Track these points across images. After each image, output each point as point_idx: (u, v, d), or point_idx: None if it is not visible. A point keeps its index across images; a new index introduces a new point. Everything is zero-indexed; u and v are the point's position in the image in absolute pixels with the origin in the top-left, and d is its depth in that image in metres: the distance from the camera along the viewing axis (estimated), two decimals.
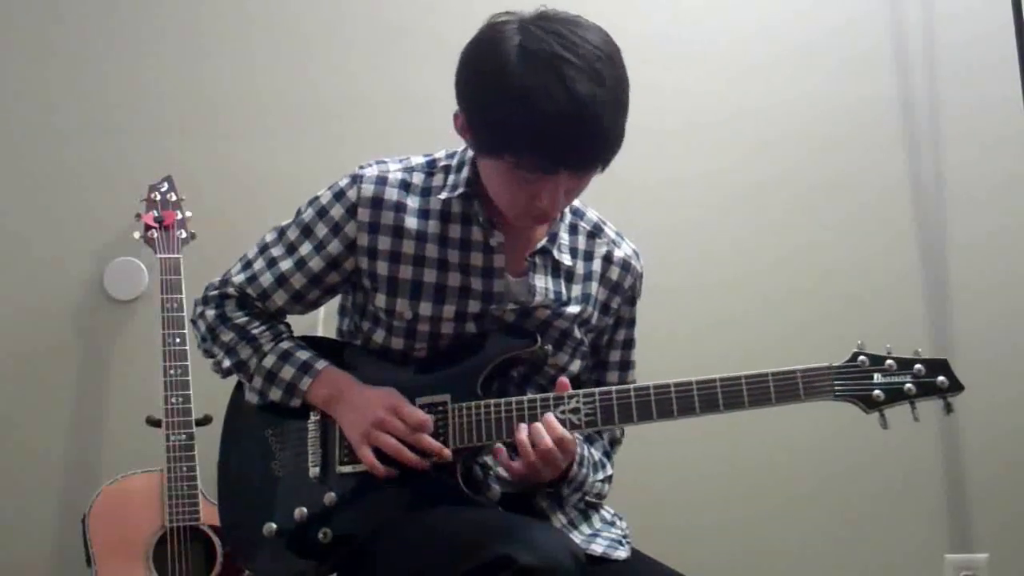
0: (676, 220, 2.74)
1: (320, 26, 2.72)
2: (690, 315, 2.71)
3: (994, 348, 2.73)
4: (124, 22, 2.66)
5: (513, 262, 1.68)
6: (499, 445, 1.57)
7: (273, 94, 2.68)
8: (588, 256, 1.74)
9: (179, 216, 2.48)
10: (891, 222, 2.79)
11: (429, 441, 1.57)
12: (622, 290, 1.77)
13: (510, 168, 1.51)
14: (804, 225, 2.78)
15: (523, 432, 1.54)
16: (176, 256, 2.42)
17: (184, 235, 2.47)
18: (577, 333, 1.71)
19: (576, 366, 1.72)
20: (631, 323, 1.81)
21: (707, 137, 2.78)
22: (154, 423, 2.33)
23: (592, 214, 1.79)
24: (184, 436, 2.27)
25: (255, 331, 1.69)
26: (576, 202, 1.76)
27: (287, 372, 1.65)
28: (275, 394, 1.66)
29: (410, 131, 2.63)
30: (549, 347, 1.67)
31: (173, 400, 2.29)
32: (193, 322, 1.78)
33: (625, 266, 1.77)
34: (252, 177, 2.64)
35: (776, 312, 2.73)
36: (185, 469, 2.26)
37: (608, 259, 1.76)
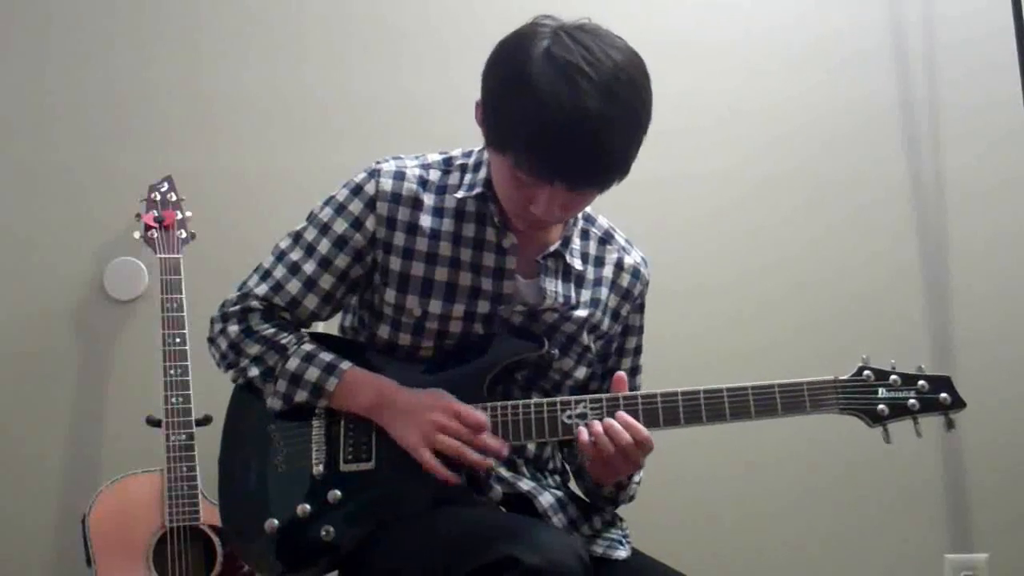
0: (675, 220, 2.74)
1: (320, 28, 2.72)
2: (690, 314, 2.71)
3: (994, 348, 2.73)
4: (124, 22, 2.67)
5: (524, 264, 1.68)
6: (583, 427, 1.55)
7: (273, 95, 2.68)
8: (599, 262, 1.75)
9: (179, 216, 2.48)
10: (891, 222, 2.79)
11: (490, 440, 1.56)
12: (632, 297, 1.77)
13: (510, 167, 1.52)
14: (804, 225, 2.78)
15: (598, 426, 1.54)
16: (176, 256, 2.42)
17: (184, 235, 2.47)
18: (585, 339, 1.71)
19: (582, 373, 1.73)
20: (640, 330, 1.82)
21: (706, 137, 2.78)
22: (154, 423, 2.33)
23: (603, 221, 1.80)
24: (184, 436, 2.27)
25: (283, 340, 1.66)
26: (587, 208, 1.76)
27: (312, 373, 1.63)
28: (300, 396, 1.64)
29: (410, 133, 2.64)
30: (556, 351, 1.68)
31: (173, 400, 2.29)
32: (212, 340, 1.72)
33: (635, 273, 1.78)
34: (252, 177, 2.64)
35: (776, 312, 2.73)
36: (185, 469, 2.26)
37: (619, 266, 1.76)
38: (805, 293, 2.75)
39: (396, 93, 2.70)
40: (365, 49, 2.72)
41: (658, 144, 2.67)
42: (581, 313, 1.70)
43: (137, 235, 2.46)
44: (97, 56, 2.65)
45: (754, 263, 2.75)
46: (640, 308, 1.80)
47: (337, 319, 1.82)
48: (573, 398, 1.59)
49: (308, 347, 1.66)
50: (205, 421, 2.29)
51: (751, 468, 2.70)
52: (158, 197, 2.49)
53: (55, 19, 2.65)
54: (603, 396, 1.59)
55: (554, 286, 1.69)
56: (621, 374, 1.60)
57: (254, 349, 1.66)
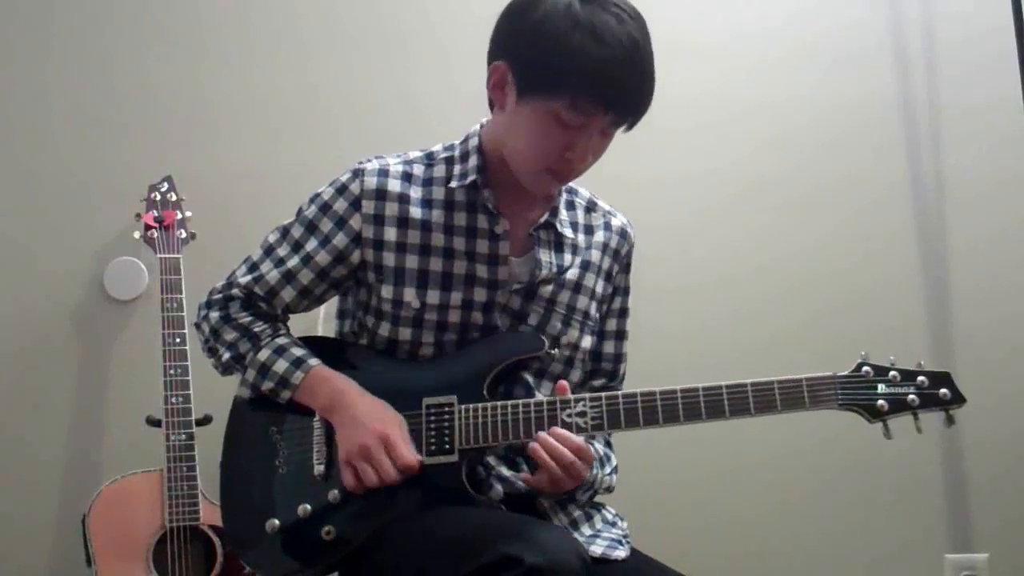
0: (675, 219, 2.74)
1: (320, 26, 2.72)
2: (690, 313, 2.71)
3: (994, 347, 2.73)
4: (124, 22, 2.67)
5: (516, 244, 1.70)
6: (539, 435, 1.56)
7: (273, 94, 2.69)
8: (588, 230, 1.78)
9: (179, 216, 2.48)
10: (891, 222, 2.79)
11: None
12: (620, 257, 1.81)
13: (557, 110, 1.55)
14: (804, 224, 2.78)
15: (540, 450, 1.54)
16: (176, 256, 2.43)
17: (184, 235, 2.47)
18: (582, 303, 1.73)
19: (587, 342, 1.74)
20: (626, 291, 1.84)
21: (707, 136, 2.78)
22: (154, 423, 2.33)
23: (585, 191, 1.83)
24: (184, 436, 2.27)
25: (257, 329, 1.71)
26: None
27: (280, 365, 1.66)
28: (266, 386, 1.67)
29: (410, 131, 2.64)
30: (556, 351, 1.69)
31: (173, 400, 2.29)
32: (196, 325, 1.78)
33: (623, 234, 1.82)
34: (252, 177, 2.64)
35: (776, 312, 2.74)
36: (185, 469, 2.26)
37: (608, 228, 1.80)
38: (805, 293, 2.75)
39: (397, 92, 2.70)
40: (366, 48, 2.72)
41: (659, 143, 2.72)
42: (572, 275, 1.72)
43: (137, 235, 2.47)
44: (97, 56, 2.65)
45: (754, 262, 2.76)
46: (626, 268, 1.84)
47: (332, 326, 1.83)
48: (572, 396, 1.59)
49: (282, 340, 1.70)
50: (205, 421, 2.29)
51: (751, 468, 2.70)
52: (158, 197, 2.49)
53: (56, 19, 2.65)
54: (603, 395, 1.59)
55: (548, 256, 1.71)
56: (563, 383, 1.60)
57: (231, 336, 1.71)
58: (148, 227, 2.46)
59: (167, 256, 2.42)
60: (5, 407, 2.54)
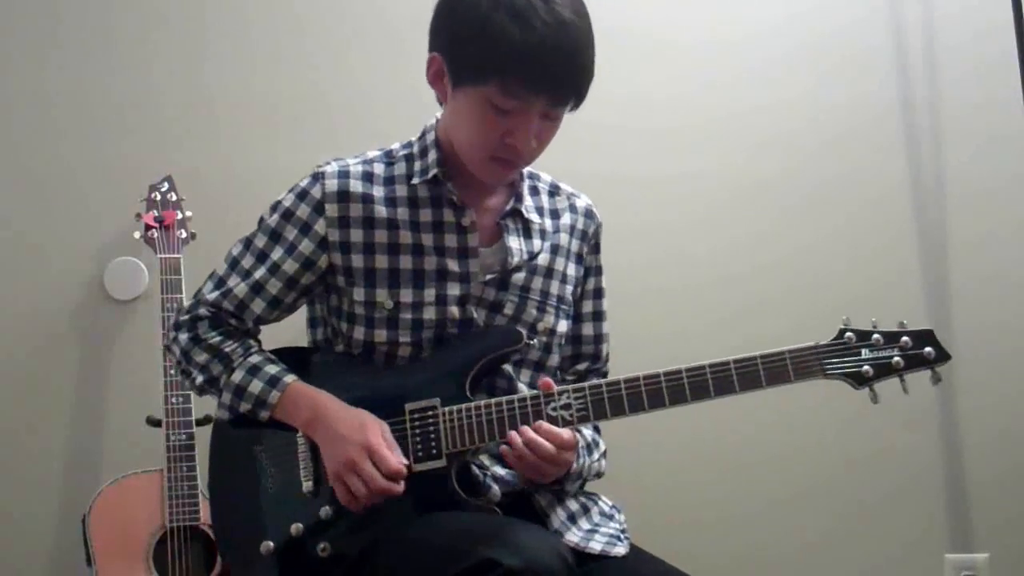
0: (675, 220, 2.74)
1: (321, 25, 2.72)
2: (689, 313, 2.71)
3: (994, 348, 2.73)
4: (124, 21, 2.67)
5: (484, 234, 1.70)
6: (503, 447, 1.56)
7: (274, 94, 2.68)
8: (554, 214, 1.78)
9: (179, 216, 2.48)
10: (891, 222, 2.79)
11: (399, 491, 1.54)
12: (588, 238, 1.80)
13: (491, 97, 1.54)
14: (804, 225, 2.78)
15: (518, 439, 1.53)
16: (176, 256, 2.43)
17: (184, 235, 2.47)
18: (555, 288, 1.72)
19: (564, 326, 1.74)
20: (598, 271, 1.83)
21: (707, 137, 2.78)
22: (154, 423, 2.33)
23: (546, 175, 1.83)
24: (184, 436, 2.28)
25: (227, 349, 1.68)
26: (529, 167, 1.77)
27: (255, 386, 1.63)
28: (244, 408, 1.64)
29: (411, 131, 2.63)
30: (534, 341, 1.68)
31: (173, 400, 2.29)
32: (167, 348, 1.76)
33: (588, 214, 1.81)
34: (252, 177, 2.63)
35: (775, 311, 2.73)
36: (185, 469, 2.26)
37: (574, 210, 1.80)
38: (805, 293, 2.75)
39: (398, 92, 2.69)
40: (367, 48, 2.72)
41: (659, 143, 2.72)
42: (543, 260, 1.71)
43: (137, 235, 2.47)
44: (97, 56, 2.65)
45: (754, 263, 2.75)
46: (596, 248, 1.83)
47: (306, 335, 1.81)
48: (556, 389, 1.57)
49: (254, 359, 1.67)
50: (205, 421, 2.29)
51: (751, 466, 2.70)
52: (158, 197, 2.49)
53: (55, 18, 2.65)
54: (586, 385, 1.57)
55: (518, 244, 1.70)
56: (548, 379, 1.59)
57: (202, 358, 1.68)
58: (148, 227, 2.46)
59: (167, 256, 2.42)
60: (5, 407, 2.54)
